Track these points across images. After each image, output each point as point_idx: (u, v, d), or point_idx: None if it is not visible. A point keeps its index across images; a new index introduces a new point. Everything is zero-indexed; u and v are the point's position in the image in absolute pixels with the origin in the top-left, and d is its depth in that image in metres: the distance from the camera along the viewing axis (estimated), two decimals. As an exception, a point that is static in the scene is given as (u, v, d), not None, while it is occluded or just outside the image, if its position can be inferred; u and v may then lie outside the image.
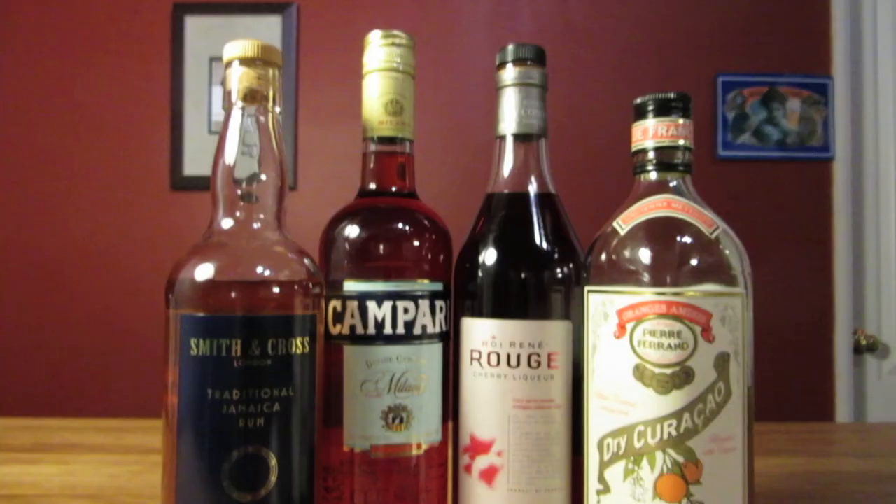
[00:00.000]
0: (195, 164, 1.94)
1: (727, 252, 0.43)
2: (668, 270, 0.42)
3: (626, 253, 0.44)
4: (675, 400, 0.41)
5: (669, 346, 0.41)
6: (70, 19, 1.93)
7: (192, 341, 0.41)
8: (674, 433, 0.41)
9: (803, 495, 0.72)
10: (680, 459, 0.41)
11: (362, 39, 0.50)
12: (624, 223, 0.45)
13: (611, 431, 0.43)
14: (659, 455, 0.41)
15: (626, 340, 0.43)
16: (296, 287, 0.44)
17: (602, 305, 0.44)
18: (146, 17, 1.95)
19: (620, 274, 0.44)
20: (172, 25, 1.97)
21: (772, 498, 0.71)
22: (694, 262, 0.43)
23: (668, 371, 0.41)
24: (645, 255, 0.43)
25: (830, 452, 0.97)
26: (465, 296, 0.49)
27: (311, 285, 0.45)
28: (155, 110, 1.94)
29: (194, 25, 1.99)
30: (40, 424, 1.07)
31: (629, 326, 0.43)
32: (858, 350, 2.04)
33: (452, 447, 0.50)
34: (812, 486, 0.76)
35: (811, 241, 1.99)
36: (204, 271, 0.42)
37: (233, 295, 0.42)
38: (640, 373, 0.42)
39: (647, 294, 0.42)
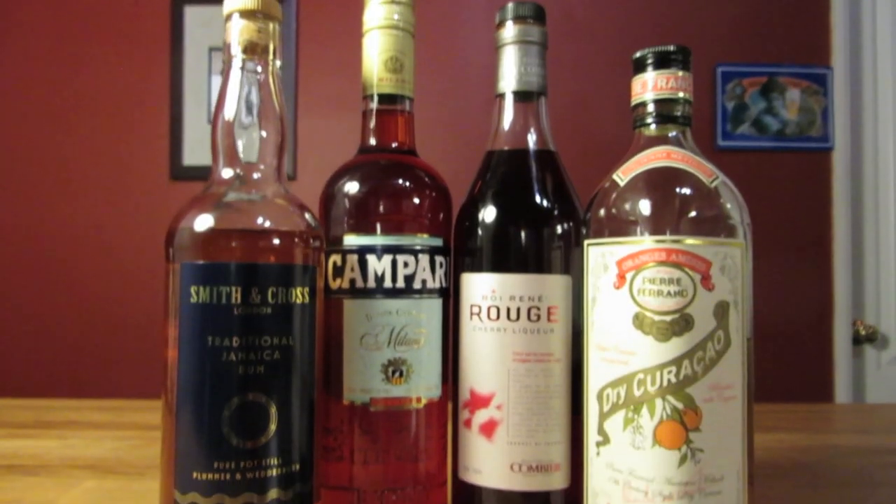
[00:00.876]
0: (194, 154, 1.94)
1: (727, 202, 0.43)
2: (667, 219, 0.43)
3: (626, 203, 0.44)
4: (675, 347, 0.41)
5: (669, 293, 0.41)
6: (70, 9, 1.93)
7: (192, 289, 0.41)
8: (673, 380, 0.41)
9: (803, 467, 0.73)
10: (679, 406, 0.41)
11: (361, 30, 0.51)
12: (623, 175, 0.45)
13: (610, 382, 0.43)
14: (658, 402, 0.41)
15: (625, 290, 0.43)
16: (296, 238, 0.44)
17: (601, 257, 0.45)
18: (146, 7, 1.95)
19: (620, 225, 0.44)
20: (172, 16, 1.97)
21: (771, 469, 0.71)
22: (693, 211, 0.43)
23: (668, 318, 0.41)
24: (644, 204, 0.43)
25: (829, 430, 0.97)
26: (464, 253, 0.49)
27: (311, 238, 0.45)
28: (154, 100, 1.94)
29: (194, 16, 1.99)
30: (41, 404, 1.07)
31: (629, 276, 0.43)
32: (857, 340, 2.04)
33: (452, 407, 0.50)
34: (811, 459, 0.76)
35: (810, 232, 1.99)
36: (204, 219, 0.42)
37: (233, 243, 0.42)
38: (639, 321, 0.42)
39: (646, 242, 0.42)
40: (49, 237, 1.89)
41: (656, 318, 0.42)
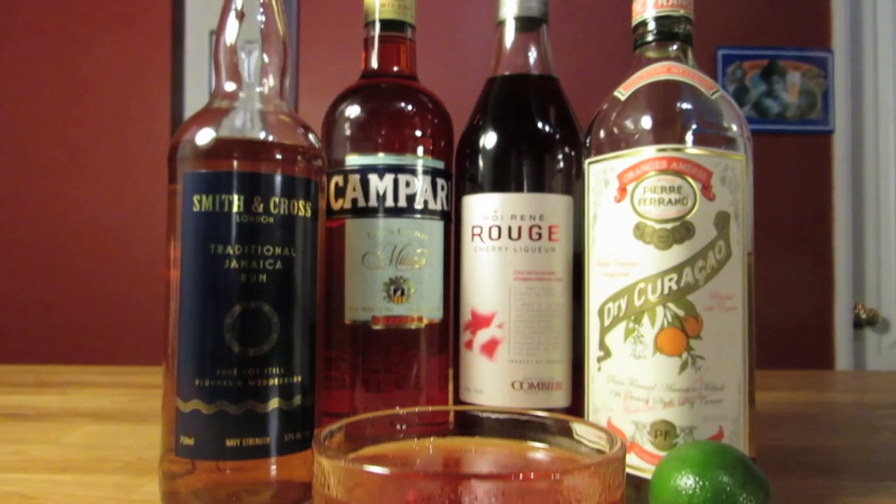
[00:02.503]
0: (196, 136, 1.94)
1: (728, 114, 0.44)
2: (668, 129, 0.43)
3: (627, 117, 0.44)
4: (676, 254, 0.41)
5: (670, 201, 0.41)
6: (72, -9, 1.94)
7: (195, 198, 0.42)
8: (674, 287, 0.41)
9: (804, 417, 0.73)
10: (680, 313, 0.41)
11: (362, 11, 0.51)
12: (624, 90, 0.45)
13: (611, 296, 0.44)
14: (659, 310, 0.41)
15: (626, 202, 0.43)
16: (298, 152, 0.44)
17: (602, 173, 0.45)
18: (147, -11, 1.96)
19: (621, 139, 0.44)
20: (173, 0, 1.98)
21: (773, 418, 0.71)
22: (695, 121, 0.43)
23: (669, 226, 0.41)
24: (646, 116, 0.43)
25: (829, 389, 0.97)
26: (466, 178, 0.50)
27: (313, 156, 0.45)
28: (156, 83, 1.95)
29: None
30: (41, 369, 1.07)
31: (630, 188, 0.43)
32: (858, 324, 2.04)
33: (454, 334, 0.50)
34: (812, 411, 0.76)
35: (811, 215, 1.99)
36: (208, 129, 0.42)
37: (235, 153, 0.42)
38: (640, 231, 0.42)
39: (647, 152, 0.42)
40: (52, 218, 1.89)
41: (657, 226, 0.42)
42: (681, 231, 0.41)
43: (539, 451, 0.28)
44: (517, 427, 0.30)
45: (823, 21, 1.99)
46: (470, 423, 0.33)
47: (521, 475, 0.17)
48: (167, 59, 1.97)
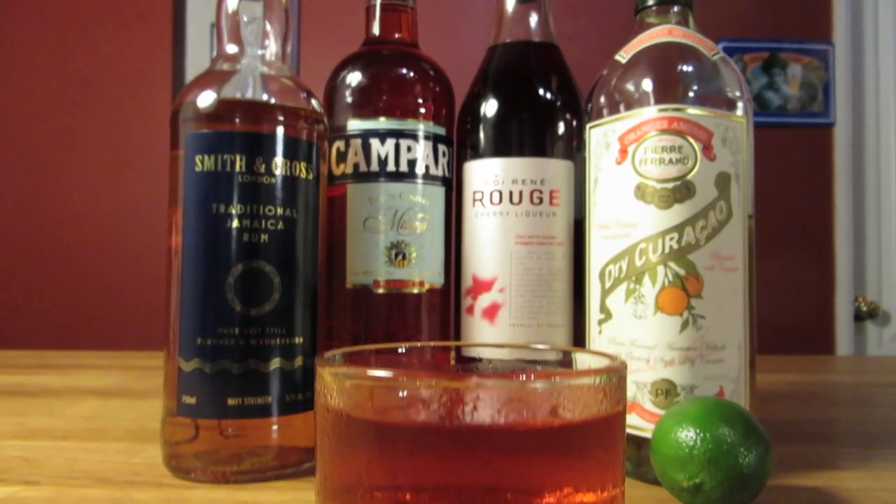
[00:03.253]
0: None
1: (728, 76, 0.44)
2: (669, 90, 0.43)
3: (628, 79, 0.44)
4: (677, 214, 0.41)
5: (671, 160, 0.42)
6: (73, -17, 1.94)
7: (197, 158, 0.42)
8: (675, 246, 0.41)
9: (805, 394, 0.73)
10: (681, 272, 0.41)
11: None
12: (625, 54, 0.45)
13: (612, 257, 0.44)
14: (660, 269, 0.41)
15: (627, 164, 0.43)
16: (301, 115, 0.44)
17: (603, 137, 0.45)
18: (149, -18, 1.96)
19: (623, 101, 0.44)
20: (175, -8, 1.98)
21: (774, 396, 0.71)
22: (695, 82, 0.43)
23: (670, 186, 0.42)
24: (647, 78, 0.44)
25: (830, 371, 0.97)
26: (467, 145, 0.50)
27: (315, 120, 0.45)
28: (157, 76, 1.95)
29: (197, -7, 2.00)
30: (43, 353, 1.08)
31: (630, 149, 0.43)
32: (859, 317, 2.04)
33: (455, 302, 0.51)
34: (813, 389, 0.76)
35: (812, 208, 1.99)
36: (210, 91, 0.43)
37: (238, 113, 0.43)
38: (641, 192, 0.42)
39: (648, 112, 0.42)
40: (53, 216, 1.89)
41: (658, 186, 0.42)
42: (681, 190, 0.41)
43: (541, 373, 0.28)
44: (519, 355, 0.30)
45: (824, 14, 2.00)
46: (472, 357, 0.33)
47: (521, 375, 0.17)
48: (168, 52, 1.97)
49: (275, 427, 0.42)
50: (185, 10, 2.00)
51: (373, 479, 0.18)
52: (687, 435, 0.36)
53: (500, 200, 0.47)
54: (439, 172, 0.48)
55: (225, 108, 0.42)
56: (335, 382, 0.19)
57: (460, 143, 0.50)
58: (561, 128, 0.48)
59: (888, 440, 0.53)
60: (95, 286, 1.87)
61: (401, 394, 0.18)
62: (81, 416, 0.61)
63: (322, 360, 0.20)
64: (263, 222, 0.42)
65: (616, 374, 0.19)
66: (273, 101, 0.44)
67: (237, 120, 0.42)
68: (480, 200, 0.48)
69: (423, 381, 0.17)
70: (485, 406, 0.17)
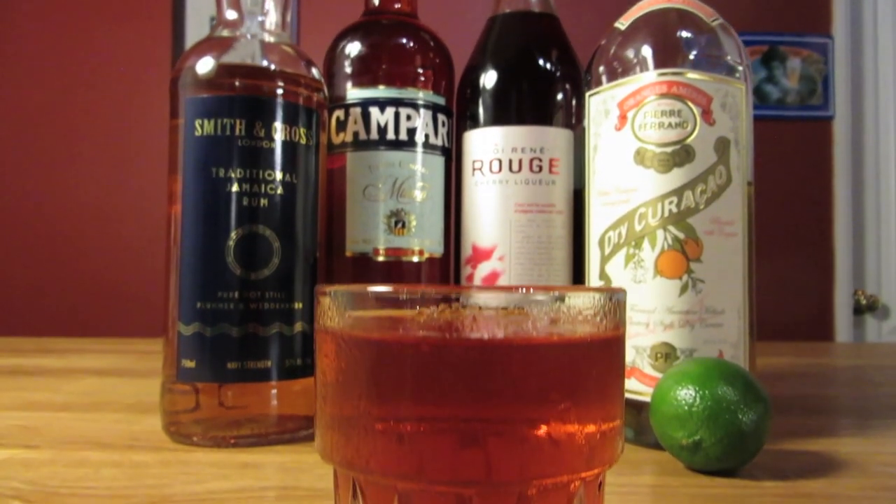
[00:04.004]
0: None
1: (727, 42, 0.44)
2: (668, 55, 0.43)
3: (628, 45, 0.44)
4: (676, 178, 0.41)
5: (670, 124, 0.42)
6: (73, -25, 1.94)
7: (197, 122, 0.42)
8: (674, 210, 0.41)
9: (806, 375, 0.73)
10: (680, 236, 0.41)
11: None
12: (624, 21, 0.45)
13: (612, 224, 0.44)
14: (660, 233, 0.41)
15: (627, 129, 0.43)
16: (301, 81, 0.44)
17: (603, 104, 0.45)
18: (148, -25, 1.96)
19: (622, 67, 0.44)
20: (174, -15, 1.98)
21: (775, 377, 0.71)
22: (694, 47, 0.43)
23: (669, 150, 0.42)
24: (646, 43, 0.44)
25: (830, 355, 0.97)
26: (467, 116, 0.50)
27: (315, 88, 0.45)
28: (156, 69, 1.95)
29: (196, -14, 2.00)
30: (42, 339, 1.07)
31: (630, 114, 0.43)
32: (859, 310, 2.04)
33: (455, 271, 0.51)
34: (814, 370, 0.76)
35: (811, 201, 1.99)
36: (209, 56, 0.43)
37: (238, 77, 0.43)
38: (640, 156, 0.42)
39: (648, 77, 0.42)
40: (52, 210, 1.89)
41: (657, 150, 0.42)
42: (681, 154, 0.41)
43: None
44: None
45: (823, 7, 2.00)
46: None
47: (522, 289, 0.17)
48: (168, 46, 1.97)
49: (274, 391, 0.42)
50: (184, 5, 2.00)
51: (372, 403, 0.18)
52: (686, 393, 0.36)
53: (500, 169, 0.47)
54: (439, 142, 0.48)
55: (224, 73, 0.42)
56: (334, 304, 0.19)
57: (460, 115, 0.50)
58: (560, 96, 0.48)
59: (887, 412, 0.53)
60: (96, 278, 1.87)
61: (399, 308, 0.18)
62: (80, 391, 0.61)
63: (320, 289, 0.20)
64: (263, 187, 0.42)
65: (615, 296, 0.19)
66: (273, 67, 0.44)
67: (237, 84, 0.42)
68: (480, 169, 0.48)
69: (423, 293, 0.17)
70: (485, 319, 0.17)
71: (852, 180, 2.00)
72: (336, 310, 0.19)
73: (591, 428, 0.19)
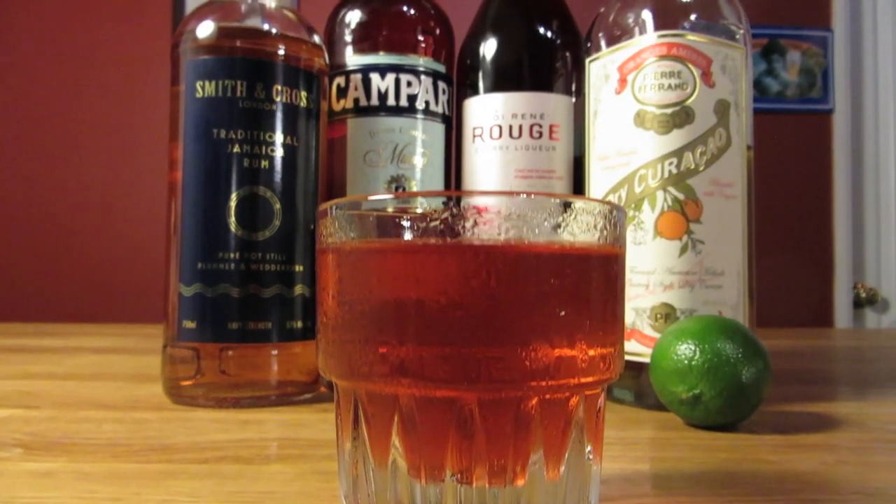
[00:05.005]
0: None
1: (727, 6, 0.44)
2: (668, 17, 0.43)
3: (627, 10, 0.44)
4: (676, 139, 0.41)
5: (670, 86, 0.42)
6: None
7: (198, 84, 0.42)
8: (674, 171, 0.41)
9: (805, 354, 0.73)
10: (680, 197, 0.41)
11: None
12: (625, -15, 0.45)
13: (612, 187, 0.44)
14: (660, 194, 0.42)
15: (626, 92, 0.43)
16: (302, 44, 0.44)
17: (603, 69, 0.45)
18: (149, -32, 1.96)
19: (622, 32, 0.44)
20: (175, -23, 1.98)
21: (775, 353, 0.71)
22: (694, 10, 0.43)
23: (669, 111, 0.42)
24: (646, 7, 0.44)
25: (829, 338, 0.98)
26: (467, 85, 0.50)
27: (316, 55, 0.45)
28: (157, 62, 1.95)
29: (197, -21, 2.00)
30: (44, 325, 1.08)
31: (630, 77, 0.43)
32: (858, 304, 2.04)
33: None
34: (813, 351, 0.76)
35: (810, 195, 1.99)
36: (209, 20, 0.43)
37: (239, 39, 0.43)
38: (640, 119, 0.42)
39: (648, 39, 0.42)
40: (53, 200, 1.89)
41: (657, 111, 0.42)
42: (681, 116, 0.42)
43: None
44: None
45: (823, 0, 2.00)
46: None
47: (522, 193, 0.17)
48: (168, 38, 1.97)
49: (274, 352, 0.42)
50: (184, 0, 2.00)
51: (373, 310, 0.19)
52: (686, 348, 0.36)
53: (500, 135, 0.47)
54: (439, 109, 0.48)
55: (225, 35, 0.43)
56: (334, 217, 0.19)
57: (460, 83, 0.51)
58: (560, 63, 0.48)
59: (884, 381, 0.53)
60: (97, 269, 1.87)
61: (400, 213, 0.18)
62: (81, 364, 0.61)
63: (321, 208, 0.20)
64: (263, 148, 0.42)
65: (616, 210, 0.19)
66: (274, 30, 0.44)
67: (238, 46, 0.42)
68: (480, 136, 0.48)
69: (424, 196, 0.17)
70: (486, 222, 0.17)
71: (852, 173, 2.00)
72: (336, 223, 0.19)
73: (590, 340, 0.19)
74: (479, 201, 0.17)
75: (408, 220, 0.17)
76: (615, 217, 0.19)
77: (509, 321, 0.18)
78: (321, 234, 0.20)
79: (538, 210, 0.17)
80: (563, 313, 0.18)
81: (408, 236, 0.17)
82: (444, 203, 0.17)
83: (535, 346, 0.17)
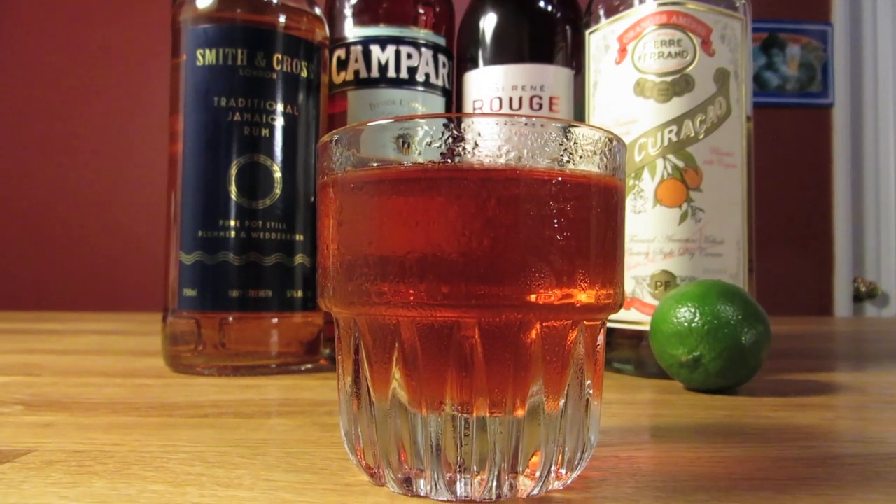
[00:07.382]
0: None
1: (727, -24, 0.44)
2: (668, -13, 0.43)
3: (627, -20, 0.44)
4: (676, 106, 0.42)
5: (670, 54, 0.42)
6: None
7: (199, 52, 0.42)
8: (674, 139, 0.41)
9: (804, 337, 0.73)
10: (680, 164, 0.41)
11: None
12: (625, -43, 0.45)
13: (612, 157, 0.44)
14: (659, 162, 0.42)
15: (627, 62, 0.43)
16: (303, 15, 0.44)
17: (602, 39, 0.45)
18: (149, -40, 1.96)
19: (621, 3, 0.44)
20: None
21: (776, 335, 0.71)
22: (694, -20, 0.43)
23: (669, 79, 0.42)
24: (646, -23, 0.44)
25: (829, 325, 0.98)
26: (467, 59, 0.50)
27: (317, 27, 0.45)
28: (156, 54, 1.95)
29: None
30: (44, 313, 1.08)
31: (630, 47, 0.43)
32: (858, 298, 2.04)
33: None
34: (812, 335, 0.76)
35: (810, 188, 1.99)
36: (210, -12, 0.43)
37: (239, 7, 0.43)
38: (640, 87, 0.42)
39: (647, 7, 0.42)
40: (53, 195, 1.90)
41: (657, 79, 0.42)
42: (680, 84, 0.42)
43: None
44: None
45: (823, -6, 2.00)
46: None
47: (522, 116, 0.17)
48: (168, 29, 1.97)
49: (274, 321, 0.42)
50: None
51: (374, 236, 0.19)
52: (686, 311, 0.36)
53: (500, 107, 0.47)
54: (439, 83, 0.49)
55: (226, 4, 0.43)
56: (334, 147, 0.19)
57: (460, 58, 0.51)
58: (560, 36, 0.48)
59: (882, 357, 0.53)
60: (97, 262, 1.88)
61: (400, 137, 0.18)
62: (82, 343, 0.61)
63: (321, 141, 0.20)
64: (264, 116, 0.42)
65: (616, 140, 0.19)
66: (275, 1, 0.44)
67: (238, 13, 0.42)
68: (480, 108, 0.48)
69: (422, 119, 0.17)
70: (486, 144, 0.17)
71: (851, 167, 2.00)
72: (336, 153, 0.19)
73: (590, 267, 0.19)
74: (479, 123, 0.17)
75: (405, 144, 0.18)
76: (615, 147, 0.19)
77: (510, 243, 0.18)
78: (322, 168, 0.20)
79: (538, 133, 0.17)
80: (561, 237, 0.18)
81: (408, 162, 0.18)
82: (444, 125, 0.17)
83: (535, 269, 0.17)
